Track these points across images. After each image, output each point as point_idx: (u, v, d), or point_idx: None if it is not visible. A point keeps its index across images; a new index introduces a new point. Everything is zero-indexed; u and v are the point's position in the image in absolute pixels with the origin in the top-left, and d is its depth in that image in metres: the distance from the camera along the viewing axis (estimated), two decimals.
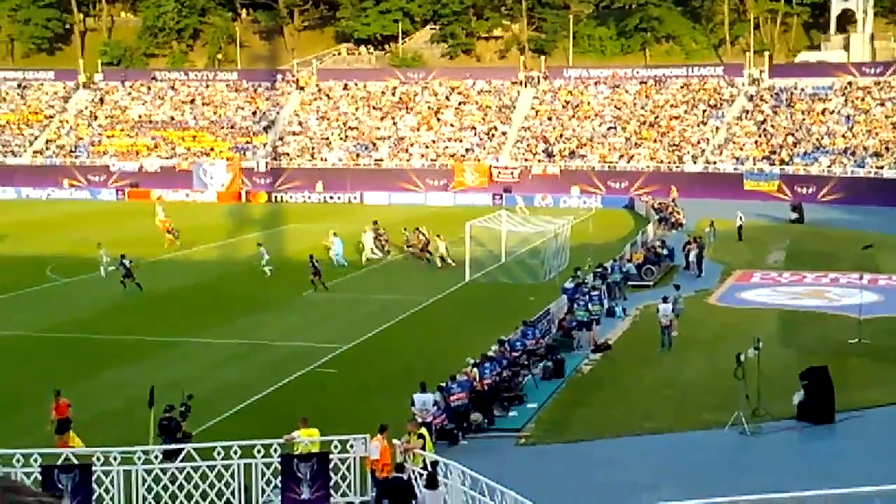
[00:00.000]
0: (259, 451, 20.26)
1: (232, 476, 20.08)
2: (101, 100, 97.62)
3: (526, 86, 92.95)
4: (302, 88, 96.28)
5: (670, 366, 30.64)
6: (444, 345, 33.31)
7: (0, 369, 30.71)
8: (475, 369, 26.50)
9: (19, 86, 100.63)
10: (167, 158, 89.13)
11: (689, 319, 34.70)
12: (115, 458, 20.04)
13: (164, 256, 50.62)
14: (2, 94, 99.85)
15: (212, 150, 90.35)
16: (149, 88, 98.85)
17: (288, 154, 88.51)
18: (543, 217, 53.03)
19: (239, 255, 50.72)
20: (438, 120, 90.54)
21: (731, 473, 21.17)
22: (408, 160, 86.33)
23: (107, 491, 19.81)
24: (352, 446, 20.82)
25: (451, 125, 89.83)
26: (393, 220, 58.47)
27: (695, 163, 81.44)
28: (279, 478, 20.28)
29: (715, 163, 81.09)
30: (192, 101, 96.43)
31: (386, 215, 62.04)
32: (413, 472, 20.14)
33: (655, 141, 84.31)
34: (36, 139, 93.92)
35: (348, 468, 20.73)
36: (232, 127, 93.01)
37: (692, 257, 46.13)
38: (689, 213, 62.79)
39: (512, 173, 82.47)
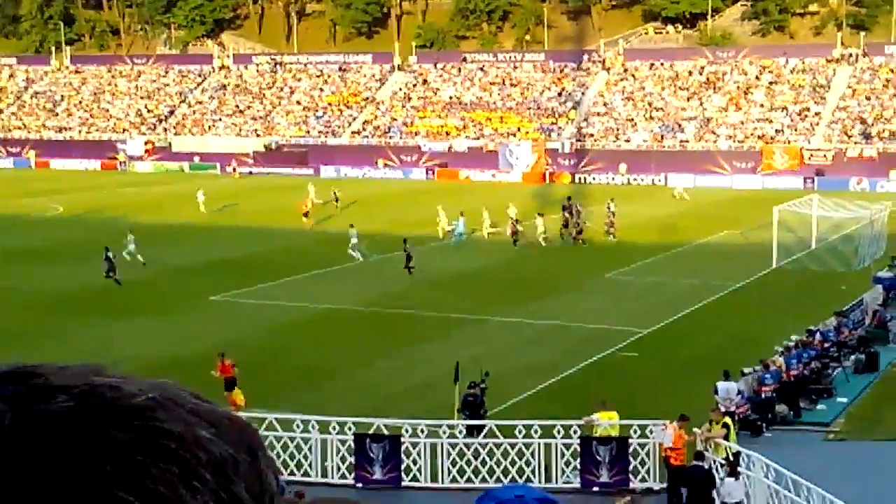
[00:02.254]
0: (559, 432, 20.56)
1: (532, 455, 20.50)
2: (424, 81, 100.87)
3: (842, 63, 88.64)
4: (608, 69, 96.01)
5: None
6: (747, 332, 32.49)
7: (318, 340, 32.57)
8: (781, 358, 25.77)
9: (340, 69, 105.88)
10: (475, 139, 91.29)
11: None
12: (422, 431, 20.93)
13: (476, 235, 51.96)
14: (325, 77, 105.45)
15: (518, 130, 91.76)
16: (459, 70, 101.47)
17: (592, 135, 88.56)
18: (858, 202, 50.53)
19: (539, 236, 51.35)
20: (747, 100, 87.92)
21: None
22: (714, 142, 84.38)
23: (414, 462, 20.73)
24: (651, 432, 20.75)
25: (761, 105, 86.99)
26: (693, 203, 57.27)
27: None
28: (578, 459, 20.52)
29: None
30: (501, 83, 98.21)
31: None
32: (714, 461, 19.84)
33: None
34: (354, 120, 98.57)
35: (647, 454, 20.69)
36: (538, 108, 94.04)
37: None
38: None
39: (825, 156, 78.94)
